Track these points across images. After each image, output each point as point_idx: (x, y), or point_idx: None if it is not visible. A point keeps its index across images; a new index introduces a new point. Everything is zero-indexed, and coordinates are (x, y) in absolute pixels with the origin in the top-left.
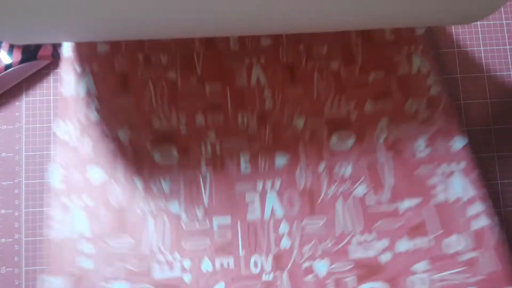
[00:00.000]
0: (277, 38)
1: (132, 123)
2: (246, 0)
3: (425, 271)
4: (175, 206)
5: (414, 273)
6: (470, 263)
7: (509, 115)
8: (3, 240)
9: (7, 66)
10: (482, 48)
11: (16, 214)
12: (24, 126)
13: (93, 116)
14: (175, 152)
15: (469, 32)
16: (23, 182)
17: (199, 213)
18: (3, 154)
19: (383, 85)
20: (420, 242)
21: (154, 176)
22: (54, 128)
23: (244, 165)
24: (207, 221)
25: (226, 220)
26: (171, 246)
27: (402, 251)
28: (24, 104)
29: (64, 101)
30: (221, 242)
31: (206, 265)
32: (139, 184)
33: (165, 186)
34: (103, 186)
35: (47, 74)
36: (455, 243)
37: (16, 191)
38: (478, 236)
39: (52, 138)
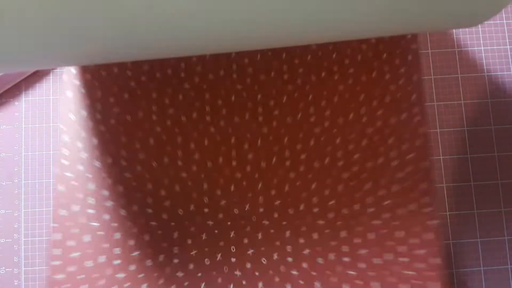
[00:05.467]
0: None
1: None
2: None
3: None
4: None
5: None
6: None
7: (509, 114)
8: (2, 241)
9: None
10: (482, 48)
11: (16, 214)
12: (23, 126)
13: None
14: None
15: (469, 31)
16: (23, 182)
17: None
18: (2, 154)
19: None
20: None
21: None
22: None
23: None
24: None
25: None
26: None
27: None
28: (24, 104)
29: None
30: None
31: None
32: None
33: None
34: None
35: (47, 74)
36: None
37: (16, 191)
38: None
39: (51, 138)
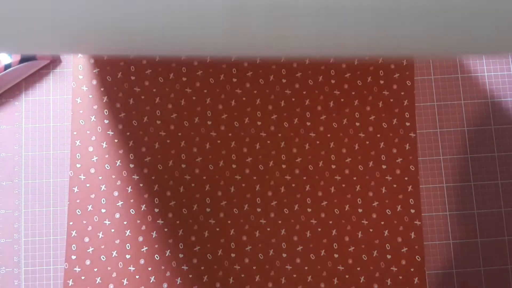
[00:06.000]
0: None
1: None
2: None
3: None
4: None
5: None
6: None
7: (509, 114)
8: (2, 240)
9: (7, 66)
10: None
11: (16, 214)
12: (23, 126)
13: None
14: None
15: None
16: (23, 182)
17: None
18: (2, 154)
19: None
20: None
21: None
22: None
23: None
24: None
25: None
26: None
27: None
28: (24, 104)
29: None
30: None
31: None
32: None
33: None
34: None
35: (47, 74)
36: None
37: (16, 191)
38: None
39: (52, 138)
